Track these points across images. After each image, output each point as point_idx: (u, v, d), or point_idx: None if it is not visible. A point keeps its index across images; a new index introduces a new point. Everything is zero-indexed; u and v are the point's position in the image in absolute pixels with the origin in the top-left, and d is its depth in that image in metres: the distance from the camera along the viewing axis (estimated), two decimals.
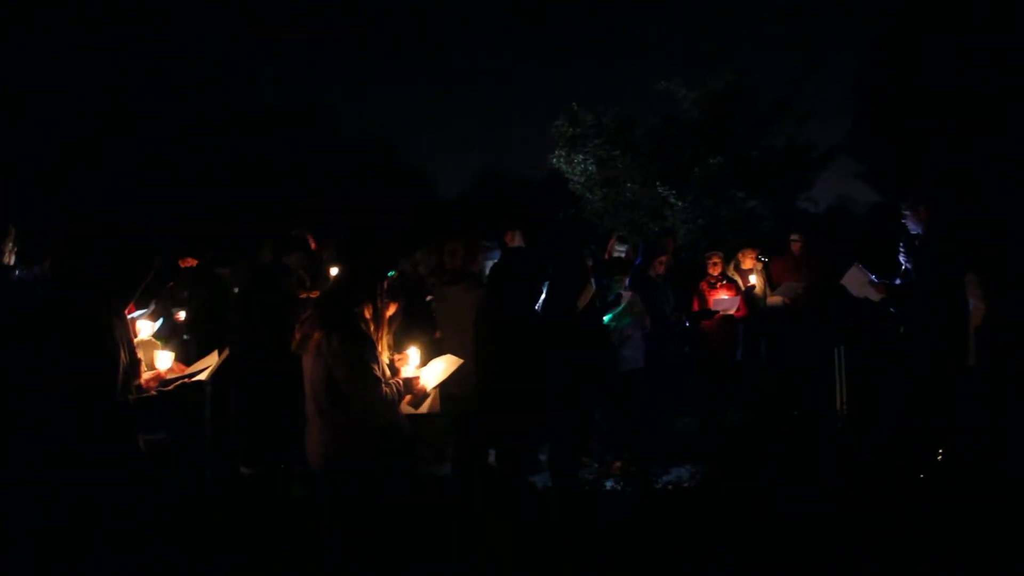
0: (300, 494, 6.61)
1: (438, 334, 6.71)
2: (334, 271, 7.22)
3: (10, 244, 5.01)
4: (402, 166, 31.73)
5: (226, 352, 4.24)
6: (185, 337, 7.28)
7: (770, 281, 10.42)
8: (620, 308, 7.98)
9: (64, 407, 3.49)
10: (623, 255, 9.36)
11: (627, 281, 8.28)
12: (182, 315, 7.58)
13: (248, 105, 25.13)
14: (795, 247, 10.44)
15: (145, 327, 4.83)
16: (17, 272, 5.14)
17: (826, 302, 9.25)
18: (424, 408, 4.67)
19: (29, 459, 3.56)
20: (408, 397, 4.58)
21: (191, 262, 7.97)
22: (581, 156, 16.32)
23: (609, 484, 7.00)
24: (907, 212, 7.16)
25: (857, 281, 7.46)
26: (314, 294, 7.16)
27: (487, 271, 6.70)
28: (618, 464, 7.52)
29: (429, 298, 7.30)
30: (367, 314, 4.49)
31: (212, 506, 6.42)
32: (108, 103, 19.45)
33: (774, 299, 10.11)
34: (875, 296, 7.35)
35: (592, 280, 7.07)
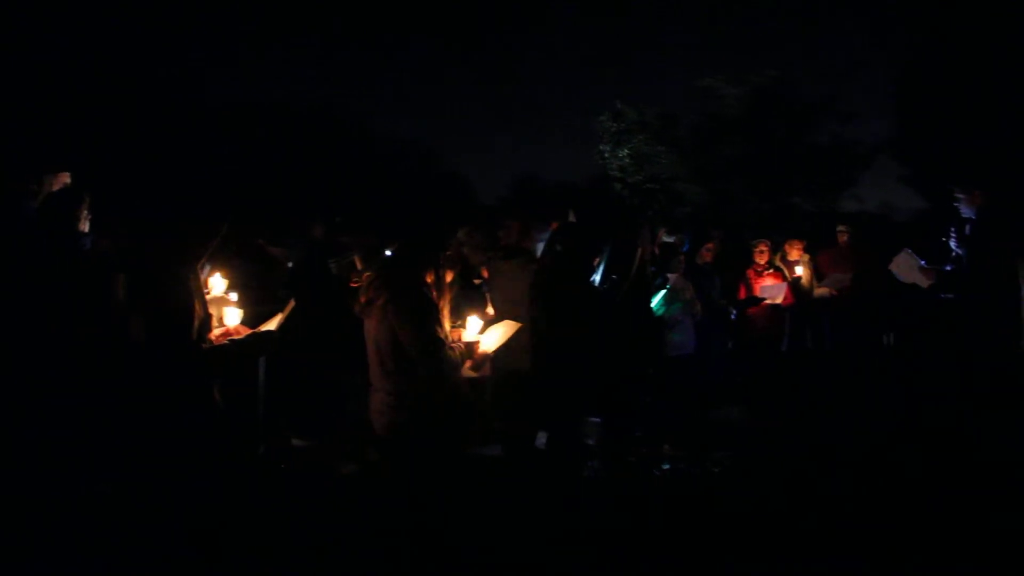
0: (351, 469, 6.67)
1: (490, 311, 6.75)
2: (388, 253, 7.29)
3: (84, 211, 5.15)
4: (439, 171, 31.86)
5: (291, 304, 4.30)
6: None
7: (817, 273, 10.38)
8: (665, 292, 7.98)
9: (144, 354, 3.56)
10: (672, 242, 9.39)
11: (683, 266, 8.31)
12: (233, 296, 7.67)
13: (286, 112, 25.49)
14: (841, 238, 10.40)
15: (217, 283, 4.93)
16: (89, 241, 5.27)
17: (874, 292, 9.21)
18: (486, 371, 4.75)
19: (111, 403, 3.66)
20: (469, 362, 4.64)
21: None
22: (626, 151, 16.37)
23: (658, 468, 7.00)
24: (960, 196, 7.11)
25: (906, 267, 7.42)
26: (365, 276, 7.22)
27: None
28: (666, 448, 7.51)
29: (478, 281, 7.35)
30: (429, 279, 4.56)
31: (265, 478, 6.49)
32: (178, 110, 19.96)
33: (821, 290, 10.07)
34: (924, 282, 7.30)
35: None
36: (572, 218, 7.27)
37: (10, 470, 4.72)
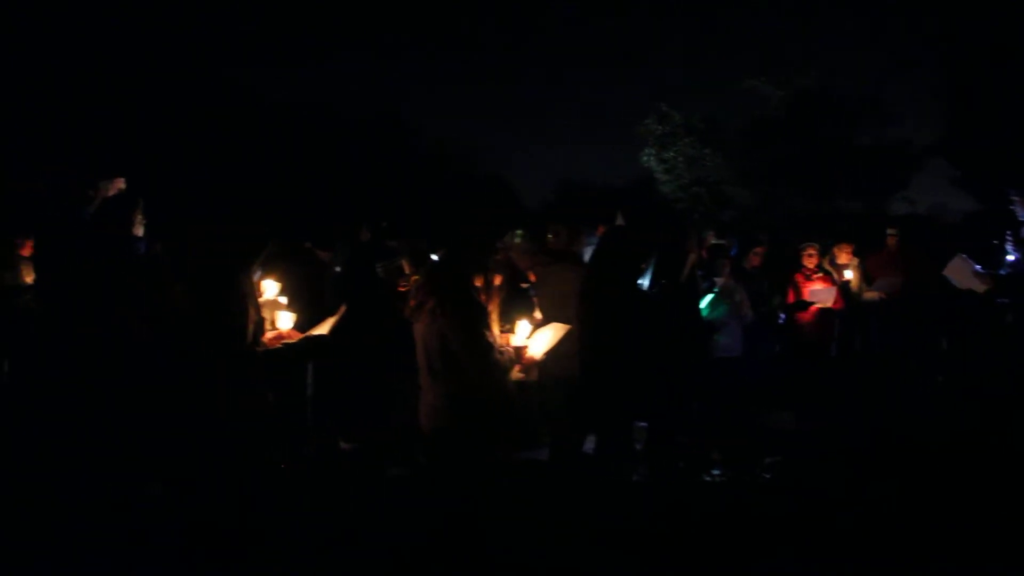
0: (398, 472, 6.71)
1: (538, 315, 6.75)
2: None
3: (139, 216, 5.24)
4: (483, 175, 31.90)
5: (343, 308, 4.35)
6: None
7: (866, 277, 10.24)
8: (713, 295, 7.94)
9: (197, 353, 3.62)
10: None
11: (728, 268, 8.25)
12: (283, 300, 7.75)
13: (331, 117, 25.73)
14: (891, 241, 10.26)
15: (269, 287, 4.99)
16: (143, 246, 5.36)
17: (926, 295, 9.06)
18: (534, 376, 4.74)
19: (165, 403, 3.72)
20: (517, 366, 4.65)
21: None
22: (672, 154, 16.31)
23: (708, 474, 6.95)
24: (1016, 198, 6.99)
25: (961, 272, 7.31)
26: (413, 280, 7.26)
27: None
28: (716, 455, 7.45)
29: (525, 285, 7.35)
30: (478, 283, 4.57)
31: (312, 481, 6.55)
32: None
33: (871, 294, 9.93)
34: (980, 287, 7.19)
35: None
36: (619, 222, 7.25)
37: (60, 467, 4.82)
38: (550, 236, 6.65)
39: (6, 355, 9.16)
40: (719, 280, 8.05)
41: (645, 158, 16.65)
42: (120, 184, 5.76)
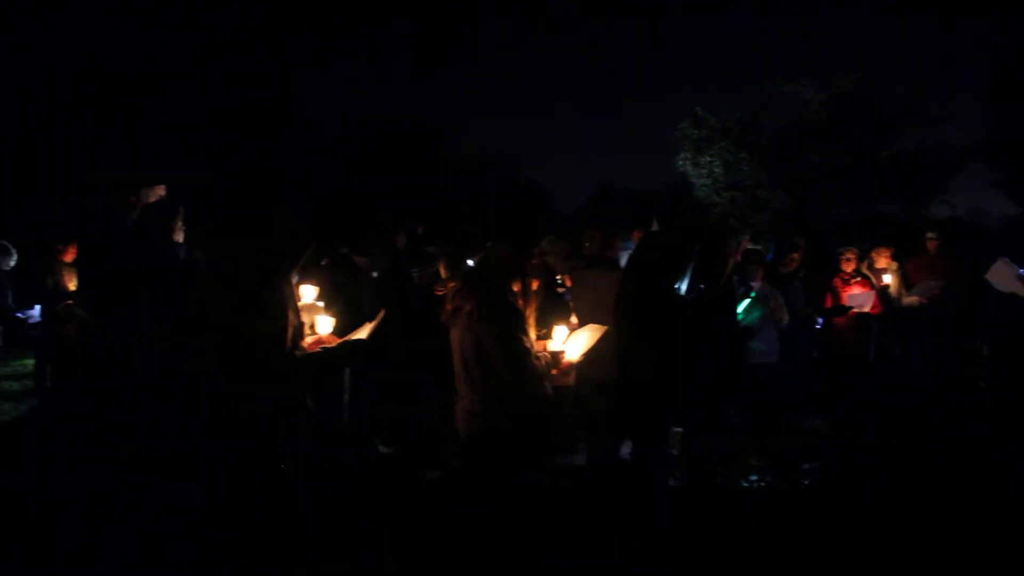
0: (435, 476, 6.73)
1: (574, 319, 6.76)
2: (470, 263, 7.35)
3: (179, 223, 5.31)
4: (518, 180, 31.95)
5: (382, 313, 4.37)
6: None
7: (905, 282, 10.13)
8: (749, 300, 7.90)
9: (238, 361, 3.65)
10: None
11: (762, 273, 8.20)
12: (320, 305, 7.81)
13: (368, 123, 25.91)
14: (931, 245, 10.14)
15: (308, 291, 5.03)
16: (183, 251, 5.43)
17: (968, 300, 8.95)
18: (570, 380, 4.75)
19: (206, 407, 3.77)
20: (555, 371, 4.65)
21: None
22: (707, 158, 16.25)
23: (745, 480, 6.90)
24: None
25: (1004, 275, 7.23)
26: (450, 285, 7.29)
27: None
28: (754, 460, 7.40)
29: (561, 289, 7.36)
30: (515, 288, 4.58)
31: (352, 485, 6.59)
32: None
33: (910, 299, 9.82)
34: (1023, 291, 7.09)
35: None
36: (655, 226, 7.23)
37: (102, 470, 4.88)
38: (584, 241, 6.65)
39: (49, 359, 9.35)
40: (755, 285, 8.01)
41: (680, 162, 16.60)
42: (161, 191, 5.84)
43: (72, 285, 8.69)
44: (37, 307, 9.17)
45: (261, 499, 3.83)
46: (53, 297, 8.88)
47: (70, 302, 8.46)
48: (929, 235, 10.20)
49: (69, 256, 8.92)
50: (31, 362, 10.34)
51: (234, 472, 3.86)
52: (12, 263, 9.41)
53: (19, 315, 9.27)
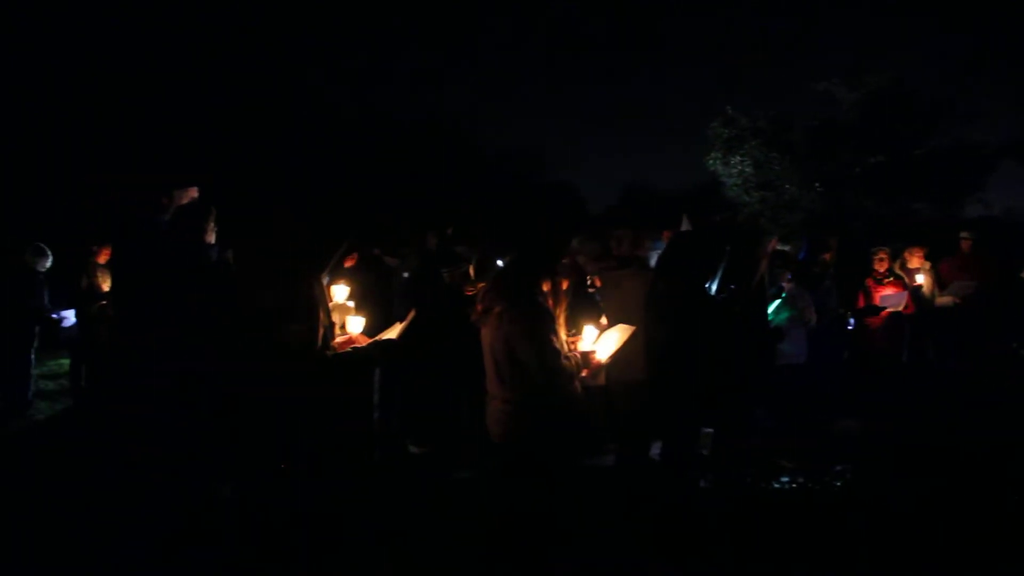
0: (463, 477, 6.74)
1: (604, 320, 6.74)
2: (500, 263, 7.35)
3: (211, 224, 5.36)
4: (547, 180, 31.92)
5: (412, 313, 4.39)
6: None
7: (939, 281, 10.03)
8: (779, 301, 7.85)
9: (268, 360, 3.68)
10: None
11: (789, 275, 8.14)
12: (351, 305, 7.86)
13: (397, 123, 25.98)
14: (964, 245, 10.05)
15: (340, 292, 5.06)
16: (215, 252, 5.48)
17: (1002, 300, 8.85)
18: (600, 381, 4.74)
19: (239, 403, 3.80)
20: (585, 371, 4.64)
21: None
22: (738, 157, 16.18)
23: (776, 481, 6.86)
24: None
25: None
26: (480, 286, 7.30)
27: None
28: (784, 462, 7.35)
29: (591, 290, 7.34)
30: (545, 288, 4.57)
31: (380, 484, 6.61)
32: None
33: (944, 299, 9.72)
34: None
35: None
36: (686, 226, 7.20)
37: (136, 469, 4.93)
38: (613, 242, 6.63)
39: (84, 359, 9.47)
40: (785, 286, 7.97)
41: (711, 162, 16.54)
42: (193, 193, 5.89)
43: (106, 286, 8.80)
44: (72, 310, 9.29)
45: (286, 498, 3.85)
46: (87, 298, 8.99)
47: (104, 303, 8.57)
48: (963, 234, 10.11)
49: (103, 257, 9.04)
50: (67, 362, 10.50)
51: (262, 471, 3.89)
52: (48, 265, 9.53)
53: (54, 316, 9.39)
